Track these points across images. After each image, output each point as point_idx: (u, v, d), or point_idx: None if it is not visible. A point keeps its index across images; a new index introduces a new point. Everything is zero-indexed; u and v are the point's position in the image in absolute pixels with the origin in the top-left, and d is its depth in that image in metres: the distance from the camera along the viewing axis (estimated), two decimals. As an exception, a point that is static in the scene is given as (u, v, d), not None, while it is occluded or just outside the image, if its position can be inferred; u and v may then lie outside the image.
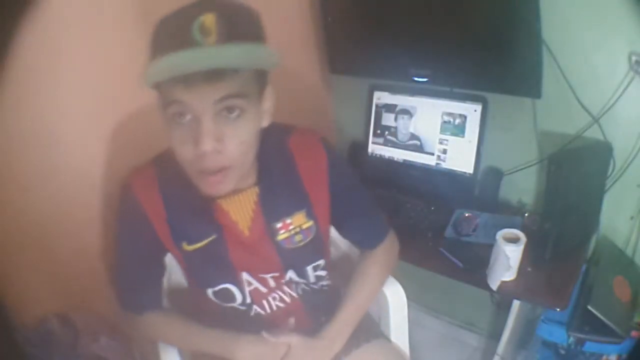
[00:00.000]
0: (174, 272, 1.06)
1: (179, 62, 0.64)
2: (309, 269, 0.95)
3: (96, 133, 1.06)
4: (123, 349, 1.08)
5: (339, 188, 0.93)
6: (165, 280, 1.08)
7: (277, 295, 0.94)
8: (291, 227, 0.90)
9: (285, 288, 0.94)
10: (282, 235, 0.90)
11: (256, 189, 0.87)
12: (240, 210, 0.87)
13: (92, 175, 1.08)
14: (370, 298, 1.00)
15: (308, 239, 0.92)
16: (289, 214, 0.90)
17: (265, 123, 0.80)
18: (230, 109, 0.71)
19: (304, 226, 0.91)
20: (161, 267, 0.95)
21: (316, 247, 0.94)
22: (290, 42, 1.53)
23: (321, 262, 0.96)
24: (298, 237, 0.91)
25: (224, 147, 0.71)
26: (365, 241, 1.02)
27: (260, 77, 0.75)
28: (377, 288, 1.02)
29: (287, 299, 0.95)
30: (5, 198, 0.94)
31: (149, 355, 1.04)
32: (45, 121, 0.97)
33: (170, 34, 0.67)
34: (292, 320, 0.94)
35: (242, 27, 0.69)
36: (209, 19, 0.65)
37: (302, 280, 0.95)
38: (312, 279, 0.96)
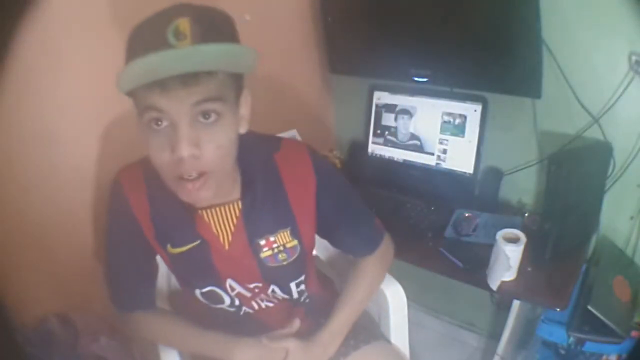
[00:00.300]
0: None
1: (153, 66, 0.63)
2: (292, 285, 0.95)
3: (96, 133, 1.07)
4: (123, 349, 1.08)
5: (328, 203, 0.91)
6: (165, 282, 1.08)
7: (264, 297, 0.94)
8: (275, 245, 0.89)
9: (270, 294, 0.94)
10: (265, 253, 0.88)
11: (239, 204, 0.86)
12: (222, 223, 0.86)
13: (92, 175, 1.08)
14: (364, 302, 0.99)
15: (292, 258, 0.91)
16: (273, 231, 0.88)
17: (242, 129, 0.78)
18: (206, 114, 0.70)
19: (288, 245, 0.90)
20: (152, 265, 0.94)
21: (300, 266, 0.93)
22: (291, 42, 1.53)
23: (303, 277, 0.96)
24: (282, 256, 0.90)
25: (201, 152, 0.70)
26: (358, 251, 1.00)
27: (237, 81, 0.74)
28: (372, 292, 1.01)
29: (275, 300, 0.95)
30: (5, 198, 0.94)
31: (149, 355, 1.03)
32: (45, 121, 0.97)
33: (145, 40, 0.66)
34: (297, 322, 0.92)
35: (217, 30, 0.68)
36: (183, 23, 0.64)
37: (285, 297, 0.95)
38: (295, 295, 0.96)
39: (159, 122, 0.69)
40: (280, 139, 0.92)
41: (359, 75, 1.59)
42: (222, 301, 0.92)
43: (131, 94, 0.70)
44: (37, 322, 1.00)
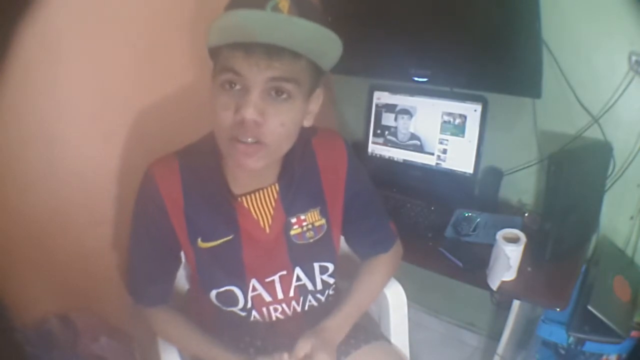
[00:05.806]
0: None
1: (247, 23, 0.66)
2: (317, 268, 0.94)
3: (95, 133, 1.06)
4: (123, 349, 1.08)
5: (354, 192, 0.94)
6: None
7: (279, 307, 0.94)
8: (304, 223, 0.91)
9: (293, 302, 0.93)
10: (295, 230, 0.91)
11: (276, 186, 0.88)
12: (262, 208, 0.88)
13: (92, 175, 1.07)
14: (370, 300, 1.00)
15: (318, 236, 0.93)
16: (304, 210, 0.91)
17: (306, 123, 0.82)
18: (279, 91, 0.72)
19: (317, 224, 0.92)
20: (175, 261, 0.94)
21: (325, 246, 0.94)
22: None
23: (329, 265, 0.95)
24: (309, 234, 0.92)
25: (265, 121, 0.72)
26: (371, 250, 1.02)
27: (316, 75, 0.77)
28: (378, 290, 1.02)
29: (289, 313, 0.94)
30: (5, 198, 0.94)
31: (149, 355, 1.03)
32: (45, 121, 0.97)
33: (243, 6, 0.68)
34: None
35: (313, 15, 0.71)
36: (283, 2, 0.68)
37: (309, 284, 0.94)
38: (319, 284, 0.95)
39: (233, 85, 0.72)
40: (316, 126, 0.94)
41: (359, 75, 1.58)
42: (235, 304, 0.91)
43: (214, 52, 0.74)
44: (37, 322, 1.00)
